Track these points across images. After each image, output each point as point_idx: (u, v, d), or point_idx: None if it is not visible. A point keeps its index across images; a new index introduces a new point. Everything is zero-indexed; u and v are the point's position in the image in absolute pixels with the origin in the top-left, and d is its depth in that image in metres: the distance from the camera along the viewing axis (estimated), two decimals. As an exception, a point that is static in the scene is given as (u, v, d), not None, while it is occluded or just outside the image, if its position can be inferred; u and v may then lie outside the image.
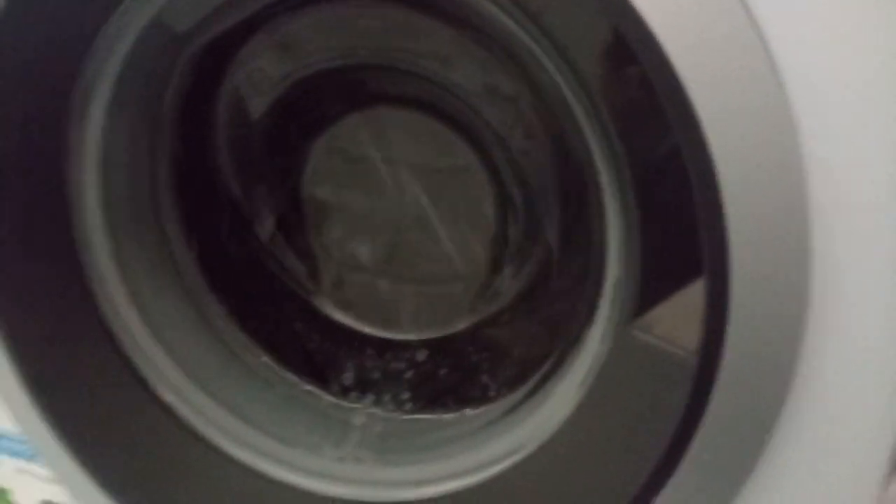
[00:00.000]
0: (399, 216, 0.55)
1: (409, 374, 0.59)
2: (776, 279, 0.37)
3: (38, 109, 0.48)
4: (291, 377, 0.59)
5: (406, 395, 0.58)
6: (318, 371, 0.60)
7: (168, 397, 0.54)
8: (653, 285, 0.39)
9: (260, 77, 0.55)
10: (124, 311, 0.54)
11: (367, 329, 0.59)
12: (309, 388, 0.59)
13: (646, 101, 0.36)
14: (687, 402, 0.40)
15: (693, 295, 0.38)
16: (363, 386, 0.59)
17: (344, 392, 0.58)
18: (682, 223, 0.37)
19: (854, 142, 0.36)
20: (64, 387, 0.54)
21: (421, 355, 0.59)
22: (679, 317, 0.39)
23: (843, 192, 0.37)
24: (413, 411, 0.57)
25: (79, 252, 0.52)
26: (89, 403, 0.54)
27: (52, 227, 0.51)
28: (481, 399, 0.55)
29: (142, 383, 0.54)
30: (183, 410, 0.54)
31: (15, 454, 0.63)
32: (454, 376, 0.58)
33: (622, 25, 0.35)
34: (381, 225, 0.56)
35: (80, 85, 0.47)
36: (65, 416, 0.54)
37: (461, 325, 0.57)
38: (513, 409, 0.52)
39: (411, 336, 0.58)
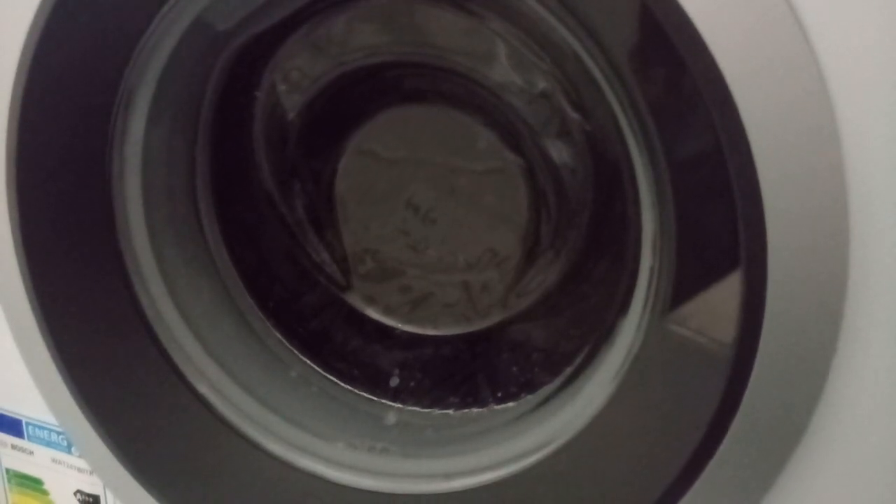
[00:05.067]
0: (431, 213, 0.55)
1: (440, 370, 0.59)
2: (814, 272, 0.37)
3: (83, 107, 0.49)
4: (323, 372, 0.59)
5: (437, 390, 0.58)
6: (350, 366, 0.60)
7: (203, 390, 0.55)
8: (688, 278, 0.40)
9: (296, 76, 0.56)
10: (162, 305, 0.55)
11: (399, 325, 0.60)
12: (340, 382, 0.59)
13: (684, 93, 0.36)
14: (721, 396, 0.40)
15: (729, 287, 0.38)
16: (394, 381, 0.59)
17: (375, 387, 0.59)
18: (720, 215, 0.37)
19: (894, 137, 0.36)
20: (102, 378, 0.55)
21: (453, 351, 0.59)
22: (714, 309, 0.39)
23: (882, 186, 0.37)
24: (444, 406, 0.57)
25: (119, 247, 0.53)
26: (126, 395, 0.55)
27: (95, 222, 0.52)
28: (512, 394, 0.56)
29: (178, 376, 0.54)
30: (218, 403, 0.55)
31: (50, 444, 0.64)
32: (485, 371, 0.58)
33: (661, 17, 0.35)
34: (412, 222, 0.56)
35: (125, 84, 0.48)
36: (101, 407, 0.55)
37: (493, 320, 0.57)
38: (544, 402, 0.52)
39: (443, 332, 0.59)
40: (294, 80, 0.56)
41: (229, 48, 0.53)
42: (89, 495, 0.64)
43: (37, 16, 0.47)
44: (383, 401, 0.58)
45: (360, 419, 0.57)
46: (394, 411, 0.57)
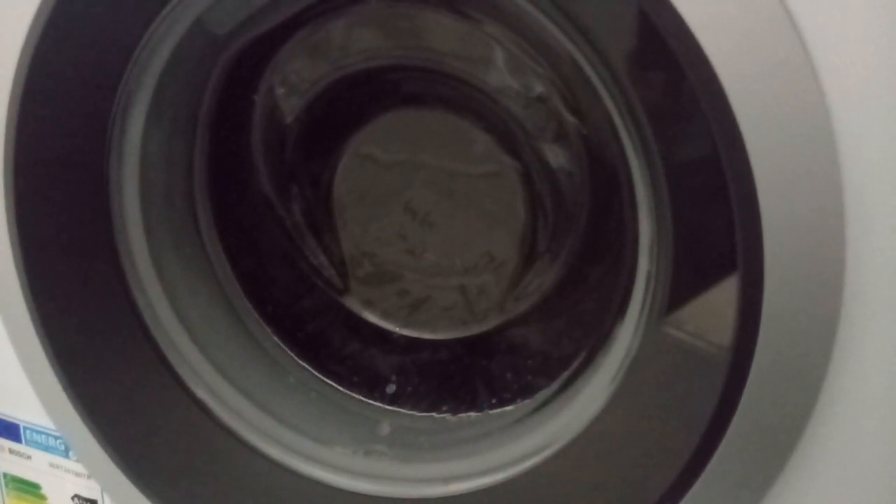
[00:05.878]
0: (429, 217, 0.56)
1: (437, 374, 0.59)
2: (810, 276, 0.38)
3: (82, 110, 0.49)
4: (321, 377, 0.59)
5: (434, 395, 0.58)
6: (347, 371, 0.60)
7: (201, 394, 0.55)
8: (685, 281, 0.40)
9: (295, 79, 0.56)
10: (160, 308, 0.55)
11: (396, 329, 0.60)
12: (337, 386, 0.59)
13: (681, 98, 0.36)
14: (718, 399, 0.40)
15: (726, 291, 0.38)
16: (391, 388, 0.59)
17: (372, 391, 0.59)
18: (717, 219, 0.37)
19: (891, 141, 0.36)
20: (99, 382, 0.55)
21: (450, 355, 0.59)
22: (711, 313, 0.39)
23: (878, 190, 0.37)
24: (441, 410, 0.57)
25: (117, 251, 0.53)
26: (124, 399, 0.55)
27: (92, 225, 0.52)
28: (510, 397, 0.56)
29: (175, 380, 0.54)
30: (215, 407, 0.55)
31: (48, 449, 0.64)
32: (483, 375, 0.58)
33: (658, 22, 0.36)
34: (410, 226, 0.56)
35: (124, 87, 0.48)
36: (99, 411, 0.55)
37: (490, 324, 0.57)
38: (541, 406, 0.52)
39: (440, 336, 0.59)
40: (292, 83, 0.56)
41: (228, 51, 0.53)
42: (87, 500, 0.64)
43: (36, 17, 0.47)
44: (381, 405, 0.58)
45: (357, 423, 0.57)
46: (391, 416, 0.57)
